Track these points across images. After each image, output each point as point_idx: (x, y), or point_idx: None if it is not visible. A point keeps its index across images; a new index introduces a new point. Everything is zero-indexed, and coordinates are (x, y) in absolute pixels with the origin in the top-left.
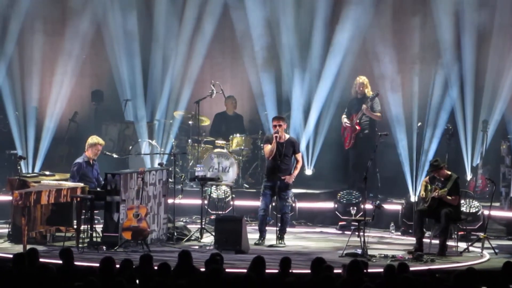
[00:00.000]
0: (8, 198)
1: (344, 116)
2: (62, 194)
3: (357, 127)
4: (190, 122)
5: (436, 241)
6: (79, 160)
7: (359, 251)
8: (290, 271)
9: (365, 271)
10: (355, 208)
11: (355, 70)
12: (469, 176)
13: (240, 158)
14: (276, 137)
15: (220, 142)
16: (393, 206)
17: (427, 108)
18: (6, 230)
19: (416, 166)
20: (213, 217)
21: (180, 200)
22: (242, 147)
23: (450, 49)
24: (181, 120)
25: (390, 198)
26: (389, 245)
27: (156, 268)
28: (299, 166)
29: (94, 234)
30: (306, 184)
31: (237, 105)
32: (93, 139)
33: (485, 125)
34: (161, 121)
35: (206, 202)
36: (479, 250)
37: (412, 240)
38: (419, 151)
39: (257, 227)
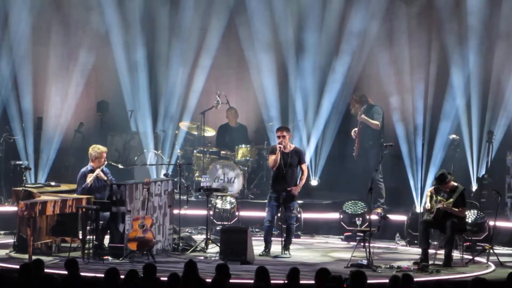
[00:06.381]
0: (14, 208)
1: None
2: (68, 204)
3: (356, 141)
4: (195, 133)
5: (442, 252)
6: (83, 169)
7: (365, 262)
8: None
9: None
10: (361, 218)
11: (361, 80)
12: (474, 187)
13: (246, 168)
14: (280, 147)
15: (225, 152)
16: (399, 217)
17: (433, 118)
18: (11, 241)
19: (421, 177)
20: (218, 227)
21: (185, 211)
22: (248, 158)
23: (457, 59)
24: (187, 130)
25: (396, 209)
26: (394, 255)
27: (164, 279)
28: (304, 176)
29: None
30: (311, 194)
31: (238, 115)
32: (95, 149)
33: (491, 136)
34: (167, 132)
35: (211, 212)
36: (485, 260)
37: (417, 251)
38: (426, 162)
39: (262, 238)
